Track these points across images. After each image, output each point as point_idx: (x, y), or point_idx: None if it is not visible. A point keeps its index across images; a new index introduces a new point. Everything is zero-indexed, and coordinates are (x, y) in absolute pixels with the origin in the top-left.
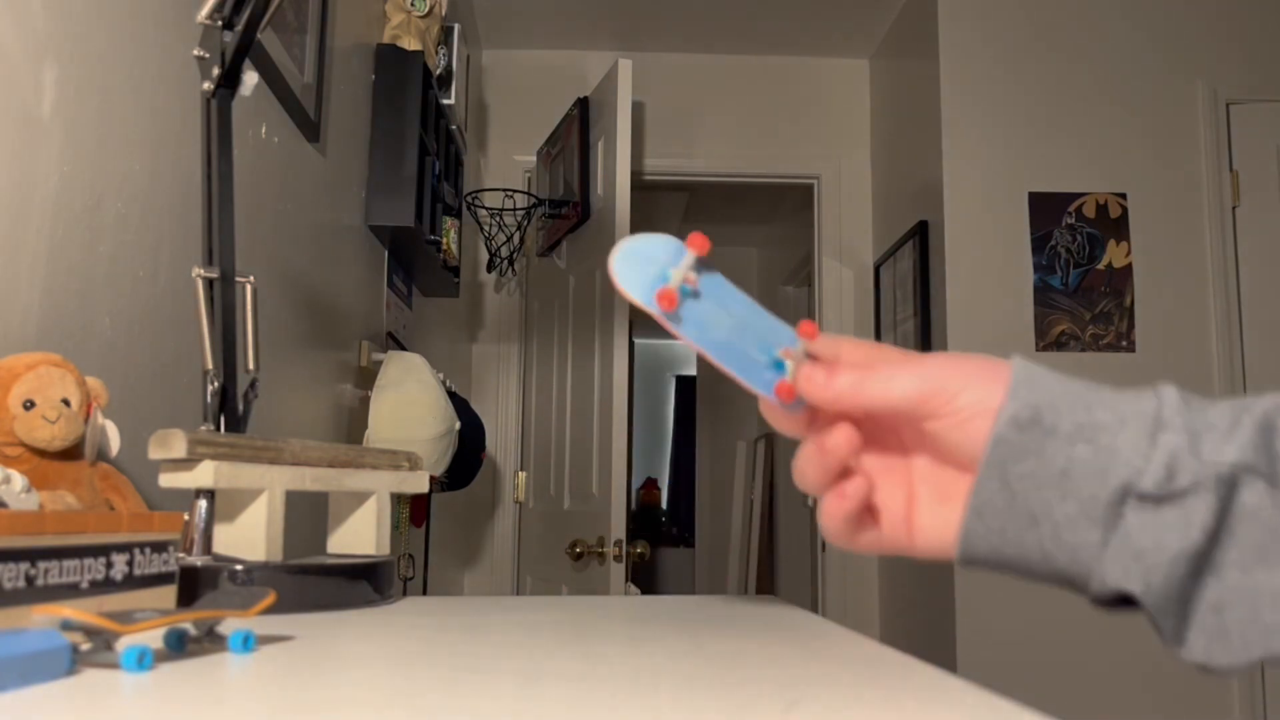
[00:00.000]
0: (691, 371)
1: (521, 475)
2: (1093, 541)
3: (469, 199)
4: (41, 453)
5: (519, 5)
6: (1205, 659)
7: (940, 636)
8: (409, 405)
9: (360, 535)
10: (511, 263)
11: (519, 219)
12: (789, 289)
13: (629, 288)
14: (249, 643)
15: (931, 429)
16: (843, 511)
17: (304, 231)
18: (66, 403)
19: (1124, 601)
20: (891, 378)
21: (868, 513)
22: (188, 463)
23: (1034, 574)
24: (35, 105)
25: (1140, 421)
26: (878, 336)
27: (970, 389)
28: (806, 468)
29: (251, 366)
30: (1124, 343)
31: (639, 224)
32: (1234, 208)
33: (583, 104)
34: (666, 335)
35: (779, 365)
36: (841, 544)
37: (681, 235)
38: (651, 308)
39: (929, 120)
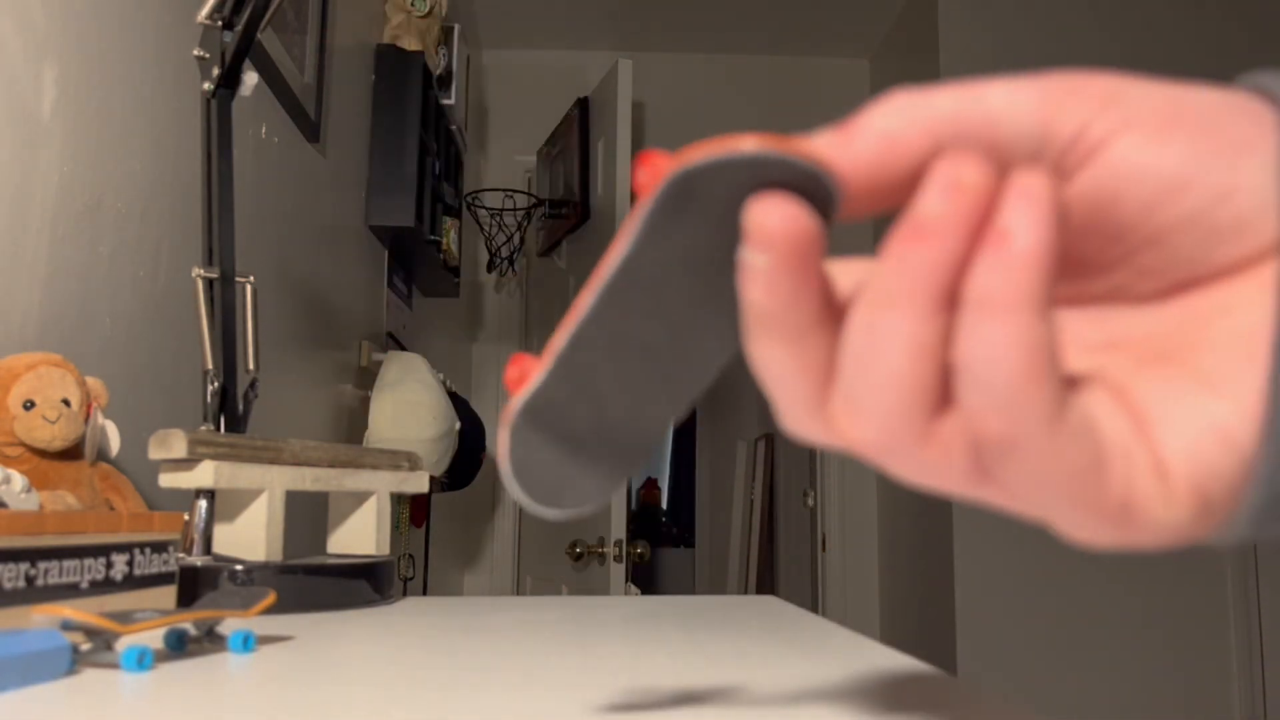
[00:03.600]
0: None
1: None
2: None
3: (469, 199)
4: (41, 453)
5: (519, 5)
6: None
7: (940, 636)
8: (409, 405)
9: (360, 535)
10: (512, 263)
11: (519, 219)
12: None
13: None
14: (249, 643)
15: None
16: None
17: (304, 231)
18: (66, 403)
19: None
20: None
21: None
22: (188, 463)
23: None
24: (35, 105)
25: None
26: None
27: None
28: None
29: (251, 366)
30: None
31: None
32: None
33: (583, 104)
34: None
35: None
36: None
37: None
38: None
39: None
